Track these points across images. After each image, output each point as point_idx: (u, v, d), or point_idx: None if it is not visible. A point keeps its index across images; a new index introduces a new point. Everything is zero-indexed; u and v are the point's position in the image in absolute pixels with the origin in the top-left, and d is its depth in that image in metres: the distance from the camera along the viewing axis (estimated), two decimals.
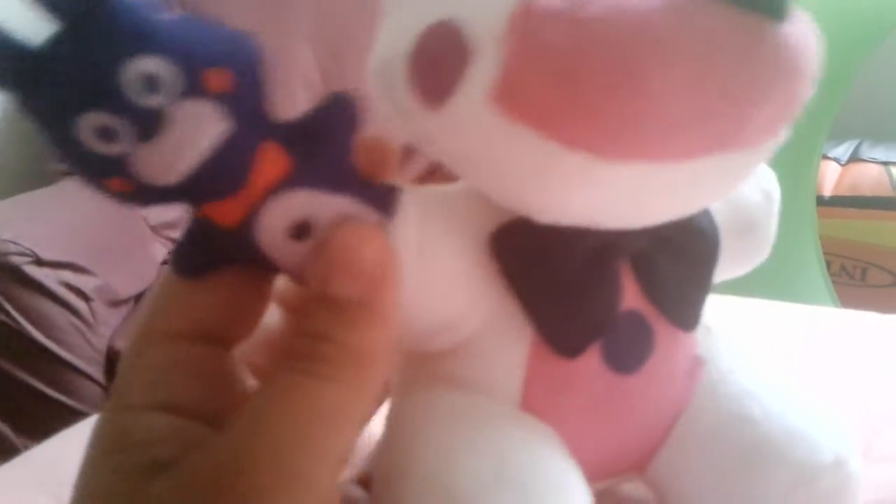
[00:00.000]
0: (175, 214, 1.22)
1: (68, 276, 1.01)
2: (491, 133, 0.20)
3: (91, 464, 0.19)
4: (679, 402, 0.27)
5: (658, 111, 0.18)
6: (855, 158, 1.49)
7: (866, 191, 1.43)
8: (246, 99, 0.18)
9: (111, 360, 1.04)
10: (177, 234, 1.22)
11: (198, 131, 0.17)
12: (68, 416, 0.95)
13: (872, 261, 1.43)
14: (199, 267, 0.21)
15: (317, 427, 0.18)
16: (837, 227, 1.42)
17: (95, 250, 1.07)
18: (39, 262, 0.98)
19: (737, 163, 0.21)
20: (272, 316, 0.24)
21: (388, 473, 0.24)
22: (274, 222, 0.19)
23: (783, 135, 0.21)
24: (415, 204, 0.21)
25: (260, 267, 0.20)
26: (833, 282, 1.32)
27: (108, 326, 1.06)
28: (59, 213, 1.11)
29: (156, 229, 1.21)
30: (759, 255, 0.29)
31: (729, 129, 0.19)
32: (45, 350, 0.98)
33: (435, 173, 1.06)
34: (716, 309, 0.28)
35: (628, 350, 0.25)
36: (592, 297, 0.24)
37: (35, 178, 1.29)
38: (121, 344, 1.05)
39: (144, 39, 0.17)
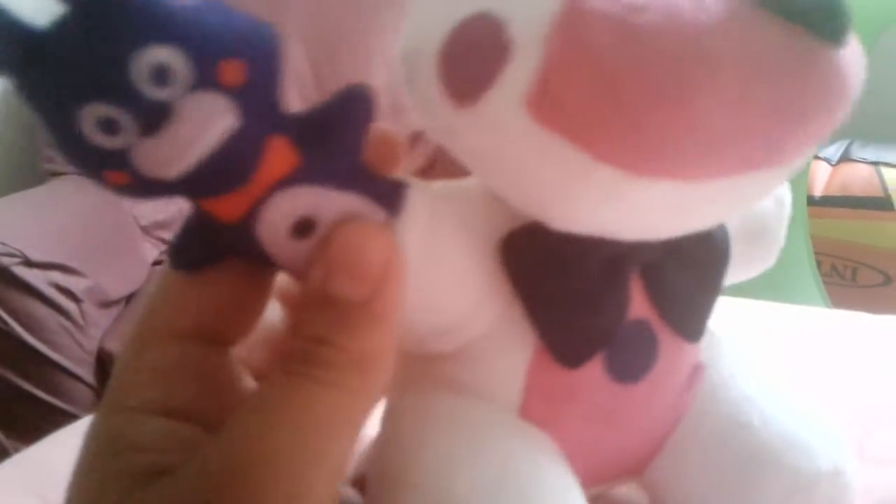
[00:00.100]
0: (166, 215, 1.22)
1: (58, 277, 1.00)
2: (521, 138, 0.19)
3: (85, 466, 0.19)
4: (679, 408, 0.27)
5: (701, 129, 0.17)
6: (845, 158, 1.49)
7: (857, 191, 1.43)
8: (257, 91, 0.17)
9: (101, 361, 1.04)
10: (168, 234, 1.21)
11: (205, 126, 0.16)
12: (59, 419, 0.94)
13: (863, 261, 1.43)
14: (197, 261, 0.20)
15: (316, 432, 0.18)
16: (828, 227, 1.42)
17: (85, 251, 1.06)
18: (28, 263, 0.98)
19: (766, 180, 0.20)
20: (272, 314, 0.23)
21: (385, 478, 0.23)
22: (276, 218, 0.19)
23: (813, 152, 0.21)
24: (423, 201, 0.21)
25: (258, 263, 0.20)
26: (824, 282, 1.33)
27: (99, 328, 1.05)
28: (48, 213, 1.10)
29: (147, 230, 1.20)
30: (767, 260, 0.29)
31: (768, 149, 0.19)
32: (34, 352, 0.97)
33: (438, 164, 1.06)
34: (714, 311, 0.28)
35: (632, 360, 0.24)
36: (601, 307, 0.23)
37: (24, 179, 1.28)
38: (111, 345, 1.04)
39: (158, 27, 0.15)
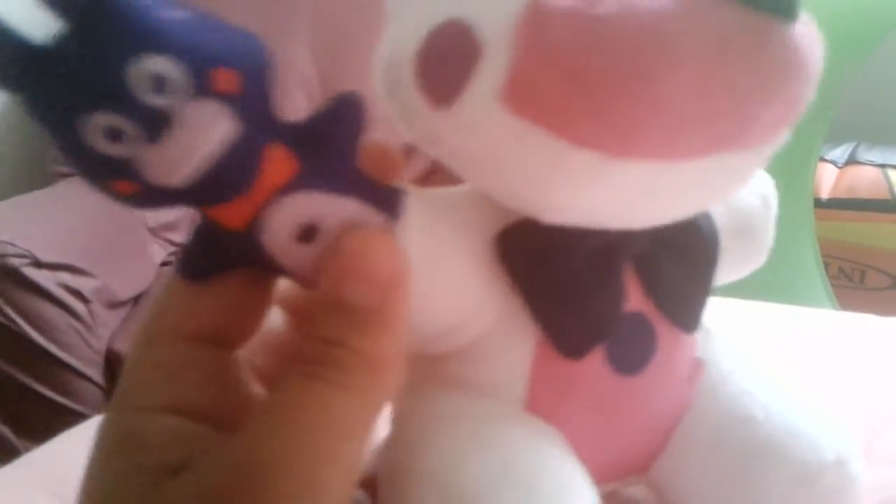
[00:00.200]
0: (174, 216, 1.22)
1: (67, 277, 1.01)
2: (500, 131, 0.20)
3: (97, 465, 0.19)
4: (681, 404, 0.27)
5: (666, 110, 0.18)
6: (852, 161, 1.49)
7: (863, 193, 1.43)
8: (253, 100, 0.18)
9: (110, 361, 1.04)
10: (176, 235, 1.22)
11: (205, 132, 0.17)
12: (68, 418, 0.95)
13: (871, 263, 1.43)
14: (204, 271, 0.20)
15: (329, 433, 0.18)
16: (835, 230, 1.42)
17: (94, 252, 1.07)
18: (38, 264, 0.98)
19: (739, 164, 0.21)
20: (272, 318, 0.24)
21: (394, 474, 0.24)
22: (280, 225, 0.19)
23: (784, 137, 0.21)
24: (419, 206, 0.21)
25: (263, 270, 0.20)
26: (832, 284, 1.32)
27: (107, 328, 1.06)
28: (57, 214, 1.11)
29: (155, 231, 1.21)
30: (757, 259, 0.30)
31: (735, 128, 0.19)
32: (44, 352, 0.98)
33: (435, 174, 1.06)
34: (715, 311, 0.28)
35: (632, 351, 0.25)
36: (596, 297, 0.24)
37: (33, 180, 1.29)
38: (120, 345, 1.05)
39: (152, 38, 0.16)
